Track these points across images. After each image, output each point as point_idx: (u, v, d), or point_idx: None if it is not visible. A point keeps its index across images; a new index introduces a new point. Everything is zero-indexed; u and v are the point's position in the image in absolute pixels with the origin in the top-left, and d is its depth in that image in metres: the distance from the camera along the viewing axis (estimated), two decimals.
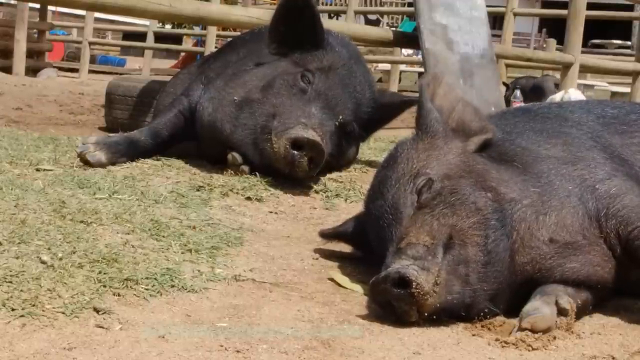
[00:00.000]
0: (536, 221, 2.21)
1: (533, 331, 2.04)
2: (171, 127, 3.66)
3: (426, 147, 2.35)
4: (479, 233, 2.12)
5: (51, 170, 3.15)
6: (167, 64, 17.61)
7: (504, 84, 7.61)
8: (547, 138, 2.45)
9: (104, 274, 2.10)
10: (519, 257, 2.18)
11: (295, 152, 3.20)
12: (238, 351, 1.79)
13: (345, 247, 2.72)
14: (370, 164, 4.05)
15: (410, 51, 13.99)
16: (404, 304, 1.99)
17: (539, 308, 2.09)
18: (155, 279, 2.15)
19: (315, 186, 3.46)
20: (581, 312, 2.22)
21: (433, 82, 2.51)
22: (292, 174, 3.28)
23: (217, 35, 12.52)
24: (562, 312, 2.12)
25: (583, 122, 2.57)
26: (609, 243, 2.25)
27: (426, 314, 2.01)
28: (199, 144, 3.71)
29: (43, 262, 2.10)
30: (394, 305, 2.02)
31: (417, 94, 2.61)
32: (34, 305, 1.87)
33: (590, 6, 8.09)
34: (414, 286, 1.95)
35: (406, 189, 2.24)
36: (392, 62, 13.33)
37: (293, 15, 3.63)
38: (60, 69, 13.92)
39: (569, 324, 2.12)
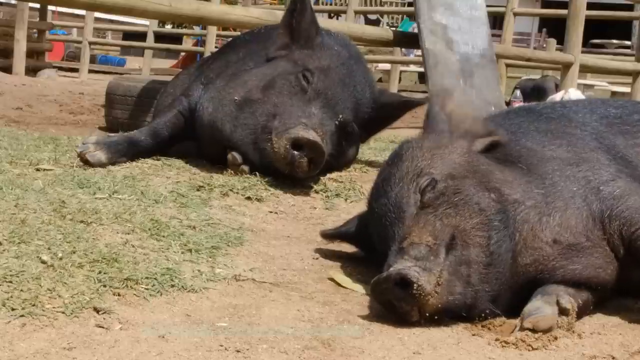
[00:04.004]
0: (539, 222, 2.21)
1: (534, 331, 2.04)
2: (171, 127, 3.66)
3: (431, 146, 2.35)
4: (481, 234, 2.12)
5: (51, 170, 3.15)
6: (167, 63, 17.60)
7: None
8: (552, 139, 2.45)
9: (104, 273, 2.10)
10: (521, 259, 2.18)
11: (296, 152, 3.20)
12: (238, 351, 1.79)
13: (345, 247, 2.72)
14: (370, 164, 4.05)
15: (404, 51, 13.96)
16: (406, 304, 2.00)
17: (541, 308, 2.09)
18: (155, 278, 2.15)
19: (315, 186, 3.46)
20: (582, 312, 2.22)
21: (444, 94, 2.53)
22: (292, 174, 3.28)
23: (217, 35, 12.53)
24: (563, 311, 2.12)
25: (587, 122, 2.57)
26: (612, 244, 2.25)
27: (427, 314, 2.01)
28: (199, 144, 3.71)
29: (43, 262, 2.10)
30: (395, 305, 2.02)
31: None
32: (34, 305, 1.87)
33: (590, 6, 8.09)
34: (415, 287, 1.95)
35: (409, 188, 2.24)
36: (392, 62, 13.33)
37: (294, 13, 3.65)
38: (60, 69, 13.91)
39: (570, 323, 2.12)
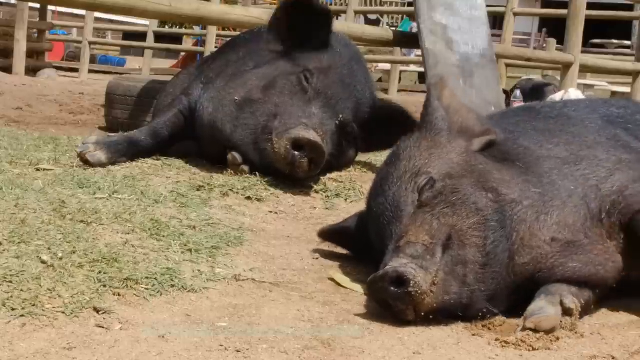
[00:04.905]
0: (537, 221, 2.21)
1: (537, 331, 2.04)
2: (171, 127, 3.66)
3: (429, 146, 2.35)
4: (478, 234, 2.12)
5: (51, 170, 3.14)
6: (167, 63, 17.60)
7: (504, 91, 7.61)
8: (550, 137, 2.46)
9: (104, 273, 2.10)
10: (519, 258, 2.18)
11: (296, 152, 3.20)
12: (238, 351, 1.79)
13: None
14: (370, 164, 4.05)
15: (404, 51, 13.96)
16: (401, 303, 2.00)
17: (544, 308, 2.10)
18: (155, 278, 2.15)
19: (315, 186, 3.46)
20: (583, 312, 2.22)
21: (441, 83, 2.52)
22: (292, 174, 3.27)
23: (217, 35, 12.52)
24: (567, 312, 2.12)
25: (586, 119, 2.57)
26: (614, 237, 2.25)
27: (423, 314, 2.01)
28: (199, 144, 3.71)
29: (43, 262, 2.10)
30: (391, 304, 2.02)
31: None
32: (34, 305, 1.87)
33: (590, 6, 8.09)
34: (411, 285, 1.95)
35: (407, 187, 2.24)
36: (392, 62, 13.33)
37: (299, 13, 3.62)
38: (60, 69, 13.91)
39: (573, 324, 2.12)
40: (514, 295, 2.18)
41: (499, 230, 2.15)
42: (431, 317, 2.03)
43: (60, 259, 2.14)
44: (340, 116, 3.50)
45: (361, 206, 2.75)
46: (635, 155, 2.41)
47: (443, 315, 2.06)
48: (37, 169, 3.14)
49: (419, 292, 1.96)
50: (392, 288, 1.98)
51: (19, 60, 10.50)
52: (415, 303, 1.99)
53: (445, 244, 2.07)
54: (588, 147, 2.42)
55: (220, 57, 4.10)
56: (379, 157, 4.22)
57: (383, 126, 3.87)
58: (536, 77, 11.23)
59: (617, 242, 2.27)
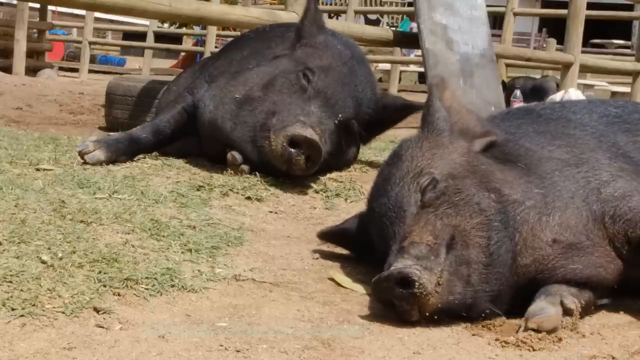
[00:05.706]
0: (539, 222, 2.21)
1: (539, 331, 2.04)
2: (174, 124, 3.66)
3: (431, 146, 2.35)
4: (481, 234, 2.12)
5: (51, 170, 3.14)
6: (167, 63, 17.62)
7: (502, 82, 7.63)
8: (551, 139, 2.46)
9: (104, 273, 2.10)
10: (521, 259, 2.18)
11: (293, 149, 3.19)
12: (238, 351, 1.79)
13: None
14: (370, 164, 4.05)
15: (404, 51, 13.97)
16: (406, 304, 2.00)
17: (545, 308, 2.10)
18: (155, 278, 2.15)
19: (315, 186, 3.46)
20: (584, 312, 2.22)
21: (442, 84, 2.52)
22: (289, 171, 3.27)
23: (217, 35, 12.55)
24: (567, 312, 2.12)
25: (586, 122, 2.57)
26: (615, 244, 2.25)
27: (427, 314, 2.01)
28: (200, 140, 3.71)
29: (43, 262, 2.10)
30: (395, 304, 2.02)
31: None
32: (34, 305, 1.87)
33: (590, 6, 8.10)
34: (416, 286, 1.95)
35: (410, 187, 2.24)
36: (392, 62, 13.33)
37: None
38: (60, 69, 13.93)
39: (574, 324, 2.12)
40: (517, 295, 2.18)
41: (502, 231, 2.15)
42: (435, 317, 2.03)
43: (60, 259, 2.14)
44: (340, 115, 3.49)
45: (361, 206, 2.75)
46: (634, 166, 2.41)
47: (447, 315, 2.06)
48: (37, 169, 3.14)
49: (424, 292, 1.96)
50: (397, 288, 1.98)
51: (19, 60, 10.50)
52: (420, 303, 1.99)
53: (449, 244, 2.07)
54: (590, 150, 2.42)
55: (224, 55, 4.11)
56: (379, 157, 4.22)
57: (386, 123, 3.89)
58: (537, 77, 11.22)
59: (619, 250, 2.27)
